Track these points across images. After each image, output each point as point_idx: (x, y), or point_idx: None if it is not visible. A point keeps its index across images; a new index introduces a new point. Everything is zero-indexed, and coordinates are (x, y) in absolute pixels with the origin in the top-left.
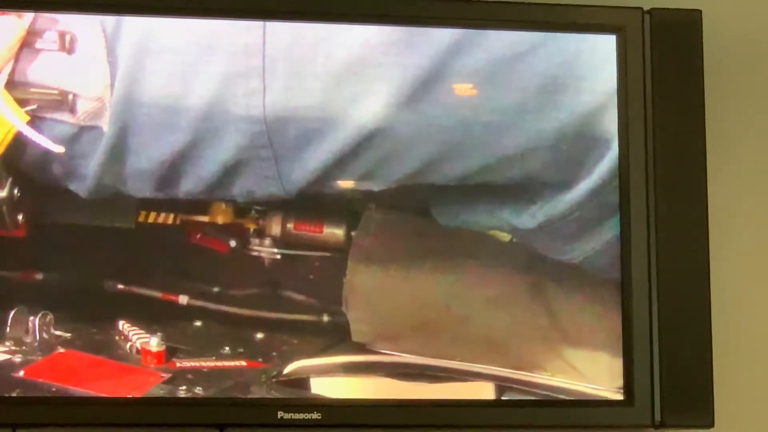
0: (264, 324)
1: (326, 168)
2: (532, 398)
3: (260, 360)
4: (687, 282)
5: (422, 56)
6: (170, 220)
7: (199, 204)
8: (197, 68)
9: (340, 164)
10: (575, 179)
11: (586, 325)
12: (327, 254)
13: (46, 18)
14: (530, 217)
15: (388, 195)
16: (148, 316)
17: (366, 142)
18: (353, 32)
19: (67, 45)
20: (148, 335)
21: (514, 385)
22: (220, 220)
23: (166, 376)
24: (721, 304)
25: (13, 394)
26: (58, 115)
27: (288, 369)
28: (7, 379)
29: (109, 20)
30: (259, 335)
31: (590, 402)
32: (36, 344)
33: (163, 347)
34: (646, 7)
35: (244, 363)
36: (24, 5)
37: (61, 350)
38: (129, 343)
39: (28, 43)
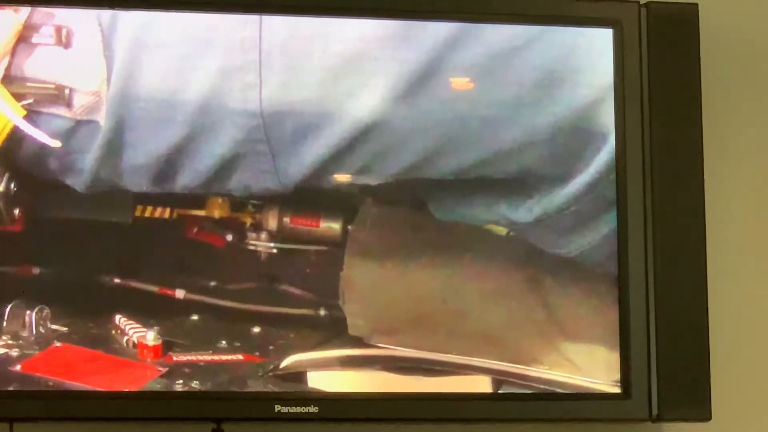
0: (261, 318)
1: (323, 162)
2: (529, 392)
3: (257, 354)
4: (684, 276)
5: (419, 50)
6: (167, 215)
7: (196, 198)
8: (194, 62)
9: (336, 158)
10: (572, 173)
11: (583, 319)
12: (324, 248)
13: (42, 12)
14: (527, 211)
15: (384, 189)
16: (145, 310)
17: (363, 136)
18: (350, 26)
19: (63, 39)
20: (144, 329)
21: (510, 379)
22: (216, 214)
23: (163, 370)
24: (717, 297)
25: (10, 389)
26: (54, 110)
27: (285, 363)
28: (3, 373)
29: (106, 14)
30: (256, 329)
31: (587, 395)
32: (33, 338)
33: (160, 341)
34: (643, 1)
35: (240, 357)
36: (20, 0)
37: (58, 344)
38: (126, 337)
39: (24, 38)
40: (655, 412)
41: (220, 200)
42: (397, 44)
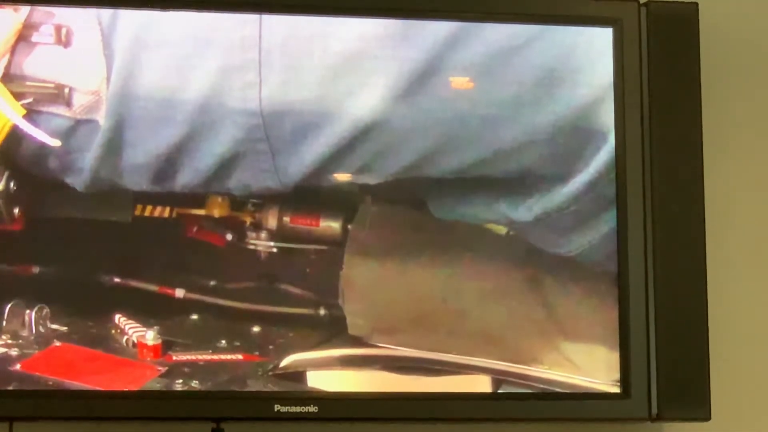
0: (260, 317)
1: (323, 161)
2: (529, 391)
3: (257, 353)
4: (684, 275)
5: (419, 49)
6: (166, 214)
7: (196, 197)
8: (193, 61)
9: (336, 157)
10: (572, 172)
11: (582, 319)
12: (323, 247)
13: (42, 11)
14: (527, 210)
15: (384, 188)
16: (145, 309)
17: (362, 135)
18: (349, 25)
19: (63, 38)
20: (144, 329)
21: (510, 379)
22: (216, 213)
23: (163, 369)
24: (717, 296)
25: (10, 388)
26: (54, 109)
27: (284, 362)
28: (3, 372)
29: (105, 13)
30: (256, 328)
31: (587, 395)
32: (32, 338)
33: (160, 341)
34: (643, 0)
35: (240, 356)
36: None
37: (58, 344)
38: (125, 337)
39: (24, 37)
40: (654, 411)
41: (219, 199)
42: (397, 43)
